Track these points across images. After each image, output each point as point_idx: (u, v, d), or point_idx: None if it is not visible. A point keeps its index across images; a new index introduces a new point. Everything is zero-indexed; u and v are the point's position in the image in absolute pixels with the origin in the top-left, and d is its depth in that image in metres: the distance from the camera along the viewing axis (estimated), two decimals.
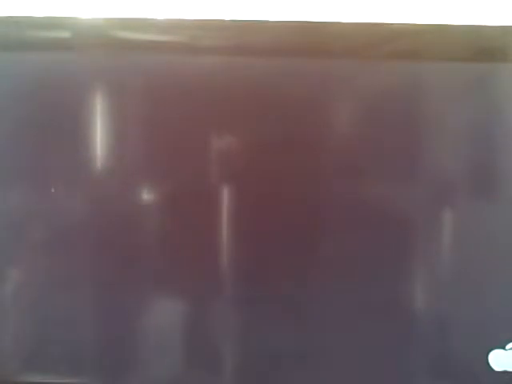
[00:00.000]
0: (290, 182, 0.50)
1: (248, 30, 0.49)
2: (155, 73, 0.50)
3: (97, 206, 0.50)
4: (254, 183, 0.50)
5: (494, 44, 0.50)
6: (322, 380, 0.52)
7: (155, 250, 0.52)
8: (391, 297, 0.51)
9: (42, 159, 0.51)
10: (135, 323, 0.52)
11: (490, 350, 0.51)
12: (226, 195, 0.50)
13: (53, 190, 0.50)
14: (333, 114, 0.51)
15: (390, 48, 0.49)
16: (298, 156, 0.50)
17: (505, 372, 0.51)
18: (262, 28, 0.49)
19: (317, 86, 0.50)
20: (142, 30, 0.49)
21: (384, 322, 0.51)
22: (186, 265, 0.51)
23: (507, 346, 0.50)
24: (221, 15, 0.50)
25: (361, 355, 0.52)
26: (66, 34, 0.49)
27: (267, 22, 0.49)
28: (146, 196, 0.50)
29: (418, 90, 0.51)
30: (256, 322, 0.52)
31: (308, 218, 0.51)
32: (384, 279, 0.51)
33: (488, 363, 0.51)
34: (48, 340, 0.52)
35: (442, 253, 0.51)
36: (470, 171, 0.51)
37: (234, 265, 0.51)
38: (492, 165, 0.51)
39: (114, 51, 0.49)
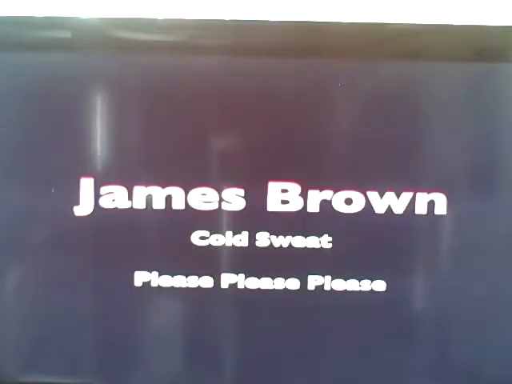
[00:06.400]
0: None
1: (248, 30, 0.49)
2: (155, 73, 0.50)
3: (97, 206, 0.50)
4: (253, 182, 0.50)
5: (494, 44, 0.50)
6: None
7: (156, 249, 0.52)
8: (391, 297, 0.51)
9: (41, 159, 0.51)
10: (135, 323, 0.52)
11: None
12: (225, 194, 0.50)
13: (53, 190, 0.50)
14: (332, 114, 0.51)
15: (390, 48, 0.49)
16: (298, 156, 0.50)
17: None
18: (262, 28, 0.49)
19: (316, 85, 0.50)
20: (142, 30, 0.49)
21: (385, 324, 0.52)
22: (186, 265, 0.51)
23: None
24: (221, 15, 0.50)
25: (361, 357, 0.52)
26: (66, 34, 0.49)
27: (267, 22, 0.49)
28: (146, 195, 0.50)
29: (418, 89, 0.51)
30: (254, 321, 0.52)
31: (308, 217, 0.51)
32: (387, 280, 0.51)
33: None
34: (48, 340, 0.52)
35: (443, 254, 0.51)
36: (470, 171, 0.51)
37: (234, 264, 0.51)
38: (492, 164, 0.51)
39: (114, 51, 0.49)
